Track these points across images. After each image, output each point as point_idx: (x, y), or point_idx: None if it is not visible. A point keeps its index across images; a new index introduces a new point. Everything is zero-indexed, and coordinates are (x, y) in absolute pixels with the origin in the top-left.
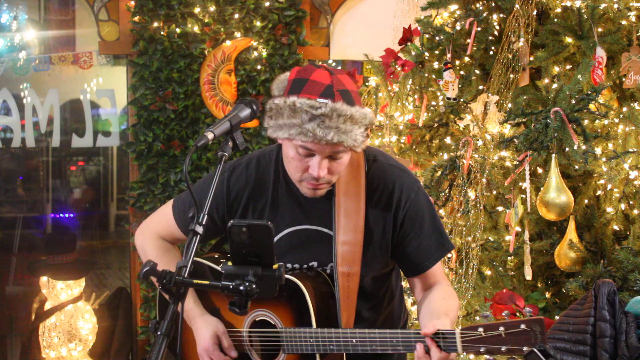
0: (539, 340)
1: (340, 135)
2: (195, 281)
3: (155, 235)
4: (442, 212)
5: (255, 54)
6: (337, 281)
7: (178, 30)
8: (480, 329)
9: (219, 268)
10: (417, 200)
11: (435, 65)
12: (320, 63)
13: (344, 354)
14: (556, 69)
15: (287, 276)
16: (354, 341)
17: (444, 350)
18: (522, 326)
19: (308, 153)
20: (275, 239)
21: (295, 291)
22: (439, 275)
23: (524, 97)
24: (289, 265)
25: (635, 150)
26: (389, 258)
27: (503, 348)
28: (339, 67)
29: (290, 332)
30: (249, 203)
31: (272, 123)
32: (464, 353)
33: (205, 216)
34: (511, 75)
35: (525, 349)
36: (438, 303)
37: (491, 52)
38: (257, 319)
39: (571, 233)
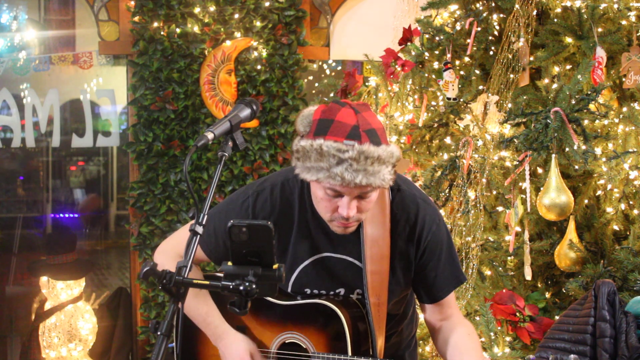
0: None
1: (368, 178)
2: (195, 281)
3: (177, 256)
4: (442, 212)
5: (255, 54)
6: (370, 312)
7: (178, 30)
8: None
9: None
10: (438, 233)
11: (435, 65)
12: (343, 100)
13: None
14: (556, 69)
15: (323, 302)
16: None
17: None
18: None
19: (337, 194)
20: (302, 265)
21: (332, 317)
22: (452, 306)
23: (524, 97)
24: (315, 291)
25: (635, 150)
26: (410, 284)
27: None
28: (339, 67)
29: (325, 357)
30: (275, 230)
31: (299, 165)
32: None
33: (206, 217)
34: (511, 75)
35: None
36: (467, 346)
37: (491, 52)
38: (286, 341)
39: (571, 233)
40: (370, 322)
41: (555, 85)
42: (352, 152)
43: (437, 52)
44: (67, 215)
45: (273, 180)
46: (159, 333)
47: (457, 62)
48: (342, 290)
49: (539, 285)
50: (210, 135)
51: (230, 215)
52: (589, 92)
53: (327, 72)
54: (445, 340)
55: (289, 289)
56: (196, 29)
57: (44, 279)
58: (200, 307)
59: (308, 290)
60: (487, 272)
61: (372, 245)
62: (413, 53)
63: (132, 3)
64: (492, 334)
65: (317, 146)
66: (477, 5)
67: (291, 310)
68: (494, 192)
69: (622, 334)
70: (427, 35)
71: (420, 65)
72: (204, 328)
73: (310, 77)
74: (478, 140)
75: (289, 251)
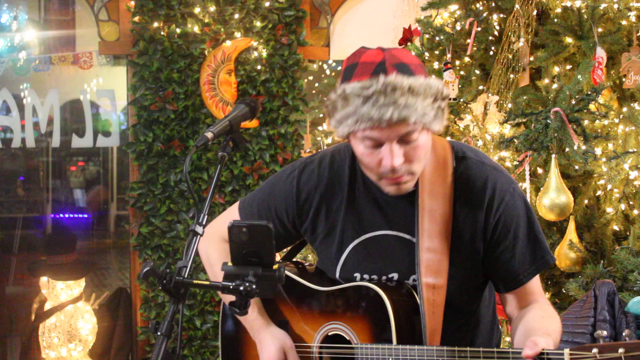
0: None
1: (400, 112)
2: (195, 281)
3: (220, 239)
4: None
5: (255, 54)
6: (422, 293)
7: (178, 30)
8: (595, 350)
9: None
10: (513, 204)
11: (435, 65)
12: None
13: None
14: (556, 69)
15: (368, 284)
16: None
17: None
18: None
19: (375, 143)
20: (352, 245)
21: (376, 301)
22: (537, 293)
23: (524, 97)
24: (365, 276)
25: (635, 150)
26: (480, 269)
27: None
28: (339, 68)
29: (366, 348)
30: (321, 205)
31: (332, 123)
32: None
33: (206, 217)
34: (511, 75)
35: None
36: (536, 322)
37: (491, 52)
38: (329, 333)
39: (571, 233)
40: (421, 307)
41: (555, 86)
42: (376, 85)
43: (437, 52)
44: (67, 216)
45: (324, 151)
46: (159, 333)
47: (457, 62)
48: (395, 275)
49: None
50: (210, 135)
51: (275, 190)
52: (589, 92)
53: (327, 72)
54: (516, 324)
55: (337, 275)
56: (196, 29)
57: (44, 279)
58: None
59: (357, 276)
60: None
61: (430, 219)
62: (413, 53)
63: (132, 3)
64: None
65: (340, 92)
66: (477, 5)
67: (334, 297)
68: None
69: (622, 334)
70: (427, 35)
71: None
72: (244, 320)
73: (310, 77)
74: (478, 140)
75: (337, 229)
